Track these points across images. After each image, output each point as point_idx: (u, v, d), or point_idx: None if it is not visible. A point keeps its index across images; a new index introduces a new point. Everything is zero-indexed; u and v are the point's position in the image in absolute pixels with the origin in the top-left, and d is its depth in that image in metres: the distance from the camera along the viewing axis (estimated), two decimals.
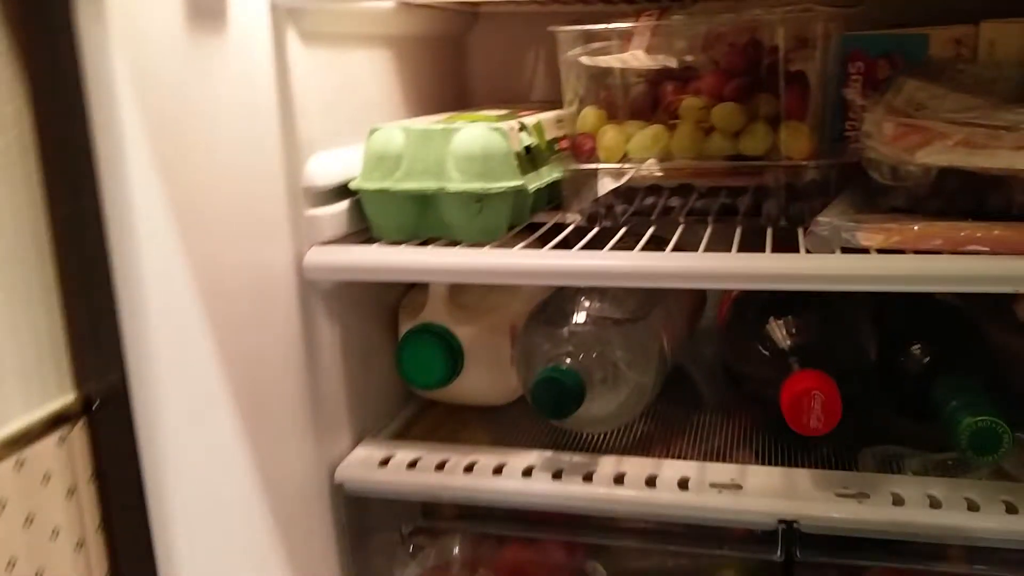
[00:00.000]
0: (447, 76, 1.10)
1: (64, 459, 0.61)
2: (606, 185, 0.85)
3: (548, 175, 0.84)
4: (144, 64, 0.58)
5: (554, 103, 1.07)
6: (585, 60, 0.88)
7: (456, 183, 0.77)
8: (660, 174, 0.85)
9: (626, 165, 0.85)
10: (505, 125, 0.79)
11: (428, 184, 0.78)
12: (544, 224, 0.86)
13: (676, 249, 0.72)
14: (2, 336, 0.57)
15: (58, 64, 0.57)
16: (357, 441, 0.86)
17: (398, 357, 0.85)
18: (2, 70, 0.56)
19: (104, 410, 0.63)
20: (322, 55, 0.80)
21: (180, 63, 0.61)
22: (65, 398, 0.61)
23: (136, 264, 0.59)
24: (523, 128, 0.83)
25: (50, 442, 0.60)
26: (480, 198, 0.77)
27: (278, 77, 0.74)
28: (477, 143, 0.77)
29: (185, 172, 0.62)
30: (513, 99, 1.13)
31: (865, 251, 0.67)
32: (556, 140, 0.91)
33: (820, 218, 0.70)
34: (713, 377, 0.95)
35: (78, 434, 0.62)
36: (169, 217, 0.61)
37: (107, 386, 0.63)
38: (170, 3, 0.60)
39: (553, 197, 0.89)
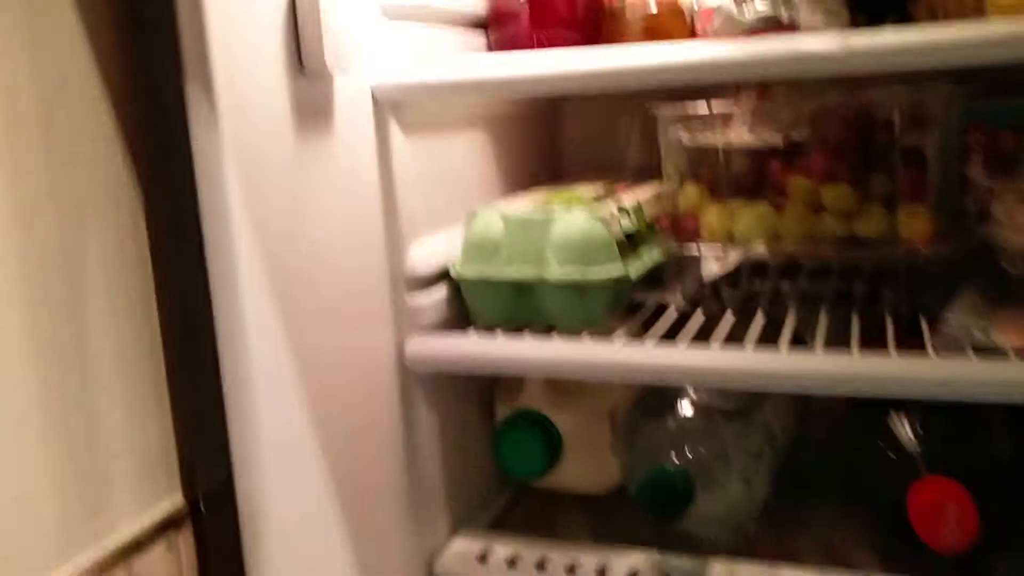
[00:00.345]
0: (541, 147, 1.09)
1: (172, 565, 0.60)
2: (711, 267, 0.82)
3: (649, 258, 0.82)
4: (254, 166, 0.58)
5: (650, 171, 1.05)
6: (686, 139, 0.85)
7: (556, 272, 0.75)
8: (768, 256, 0.81)
9: (731, 247, 0.82)
10: (605, 211, 0.77)
11: (527, 272, 0.76)
12: (645, 305, 0.83)
13: (792, 343, 0.68)
14: (116, 438, 0.57)
15: (172, 171, 0.57)
16: (453, 530, 0.84)
17: (496, 446, 0.83)
18: (119, 177, 0.56)
19: (211, 511, 0.63)
20: (421, 142, 0.79)
21: (288, 162, 0.61)
22: (173, 500, 0.61)
23: (245, 363, 0.59)
24: (622, 211, 0.80)
25: (160, 548, 0.59)
26: (581, 287, 0.75)
27: (381, 168, 0.73)
28: (577, 232, 0.75)
29: (292, 268, 0.62)
30: (607, 166, 1.11)
31: (1001, 351, 0.62)
32: (655, 218, 0.89)
33: (948, 314, 0.65)
34: (827, 463, 0.90)
35: (185, 538, 0.61)
36: (276, 314, 0.60)
37: (213, 487, 0.62)
38: (280, 106, 0.60)
39: (654, 272, 0.86)
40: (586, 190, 0.90)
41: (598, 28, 0.86)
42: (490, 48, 0.89)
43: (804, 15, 0.59)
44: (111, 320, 0.56)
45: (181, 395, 0.63)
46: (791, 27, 0.61)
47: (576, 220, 0.76)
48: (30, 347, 0.51)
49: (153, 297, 0.60)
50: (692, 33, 0.81)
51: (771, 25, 0.61)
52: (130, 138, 0.57)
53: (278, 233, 0.60)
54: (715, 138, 0.84)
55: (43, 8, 0.51)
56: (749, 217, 0.82)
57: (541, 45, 0.84)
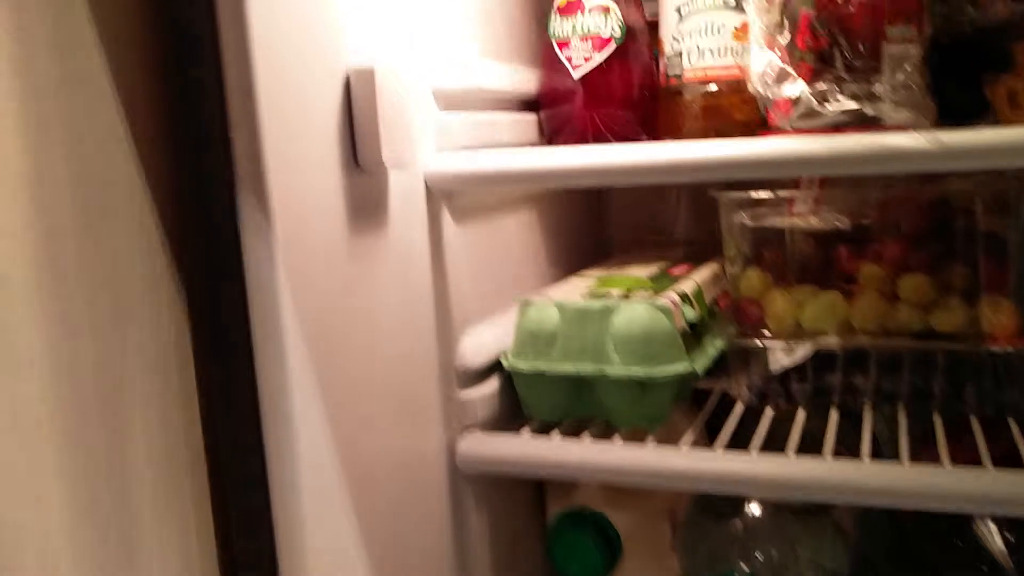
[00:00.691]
0: (589, 220, 1.05)
1: None
2: (778, 359, 0.78)
3: (713, 348, 0.78)
4: (306, 270, 0.54)
5: (702, 245, 1.02)
6: (748, 220, 0.82)
7: (617, 368, 0.71)
8: (838, 347, 0.77)
9: (799, 336, 0.78)
10: (667, 299, 0.73)
11: (586, 367, 0.72)
12: (708, 394, 0.79)
13: (874, 452, 0.64)
14: (160, 543, 0.53)
15: (220, 276, 0.54)
16: None
17: (550, 547, 0.79)
18: (161, 283, 0.53)
19: None
20: (471, 227, 0.76)
21: (341, 261, 0.58)
22: None
23: (293, 473, 0.55)
24: (684, 298, 0.76)
25: None
26: (643, 384, 0.71)
27: (433, 257, 0.70)
28: (639, 324, 0.71)
29: (342, 371, 0.58)
30: (656, 238, 1.07)
31: None
32: (716, 301, 0.85)
33: None
34: (904, 566, 0.85)
35: None
36: (325, 421, 0.57)
37: None
38: (334, 205, 0.57)
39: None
40: (641, 271, 0.86)
41: (654, 106, 0.83)
42: (541, 128, 0.85)
43: (890, 110, 0.56)
44: (152, 434, 0.53)
45: (226, 503, 0.59)
46: (875, 122, 0.57)
47: (638, 312, 0.72)
48: (67, 462, 0.47)
49: (196, 406, 0.57)
50: (755, 113, 0.78)
51: (856, 120, 0.57)
52: (175, 240, 0.54)
53: (329, 335, 0.57)
54: (779, 221, 0.80)
55: (88, 111, 0.48)
56: (817, 306, 0.78)
57: (595, 126, 0.81)
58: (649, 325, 0.71)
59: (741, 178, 0.64)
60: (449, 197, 0.72)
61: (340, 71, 0.58)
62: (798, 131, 0.61)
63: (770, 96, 0.61)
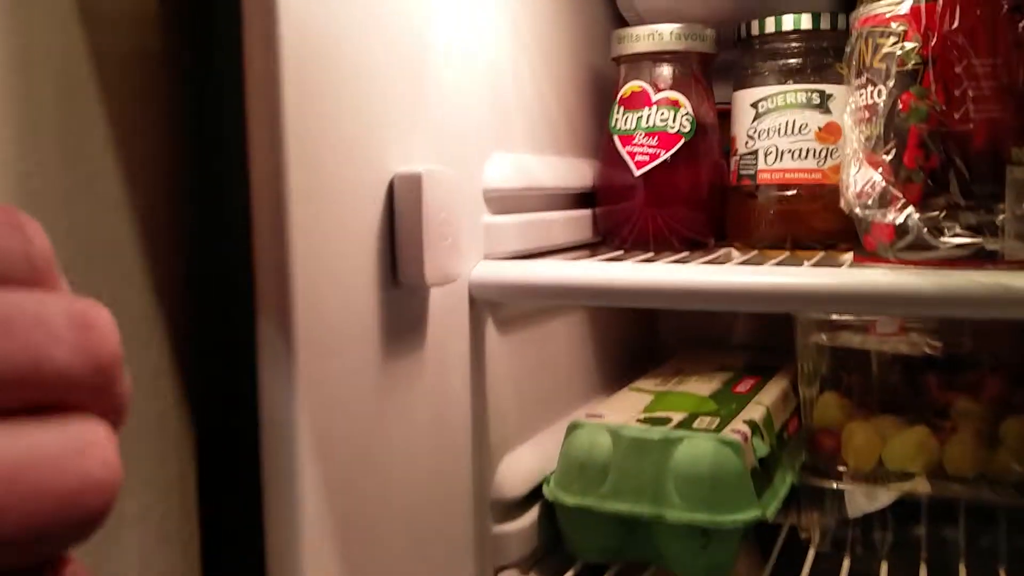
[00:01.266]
0: (642, 321, 0.97)
1: None
2: (858, 504, 0.69)
3: (783, 486, 0.69)
4: (331, 405, 0.47)
5: (764, 350, 0.93)
6: (825, 339, 0.73)
7: (678, 511, 0.62)
8: (928, 492, 0.68)
9: (881, 475, 0.69)
10: (737, 433, 0.65)
11: (642, 508, 0.63)
12: (776, 531, 0.70)
13: None
14: None
15: (231, 413, 0.47)
16: None
17: None
18: (166, 417, 0.45)
19: None
20: (516, 337, 0.68)
21: (370, 390, 0.50)
22: None
23: None
24: (754, 430, 0.68)
25: None
26: (706, 531, 0.62)
27: (473, 372, 0.62)
28: (704, 462, 0.63)
29: (363, 506, 0.50)
30: (713, 337, 0.99)
31: None
32: (785, 426, 0.76)
33: None
34: None
35: None
36: (340, 560, 0.49)
37: None
38: (367, 326, 0.49)
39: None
40: (701, 386, 0.78)
41: (723, 207, 0.76)
42: (596, 225, 0.78)
43: (1016, 246, 0.47)
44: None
45: None
46: (994, 257, 0.49)
47: (703, 447, 0.63)
48: None
49: (198, 554, 0.49)
50: (838, 223, 0.70)
51: (972, 254, 0.49)
52: (183, 367, 0.46)
53: (351, 473, 0.49)
54: (860, 341, 0.72)
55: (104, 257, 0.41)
56: (903, 442, 0.69)
57: (656, 226, 0.73)
58: (716, 464, 0.63)
59: (834, 312, 0.56)
60: (495, 307, 0.64)
61: (383, 176, 0.51)
62: (902, 262, 0.53)
63: (869, 219, 0.53)
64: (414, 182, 0.50)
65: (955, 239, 0.50)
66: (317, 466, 0.45)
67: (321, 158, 0.45)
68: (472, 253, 0.61)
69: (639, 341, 0.95)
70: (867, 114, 0.55)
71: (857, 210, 0.54)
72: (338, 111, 0.46)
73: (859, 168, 0.54)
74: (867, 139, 0.54)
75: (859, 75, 0.56)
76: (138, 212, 0.42)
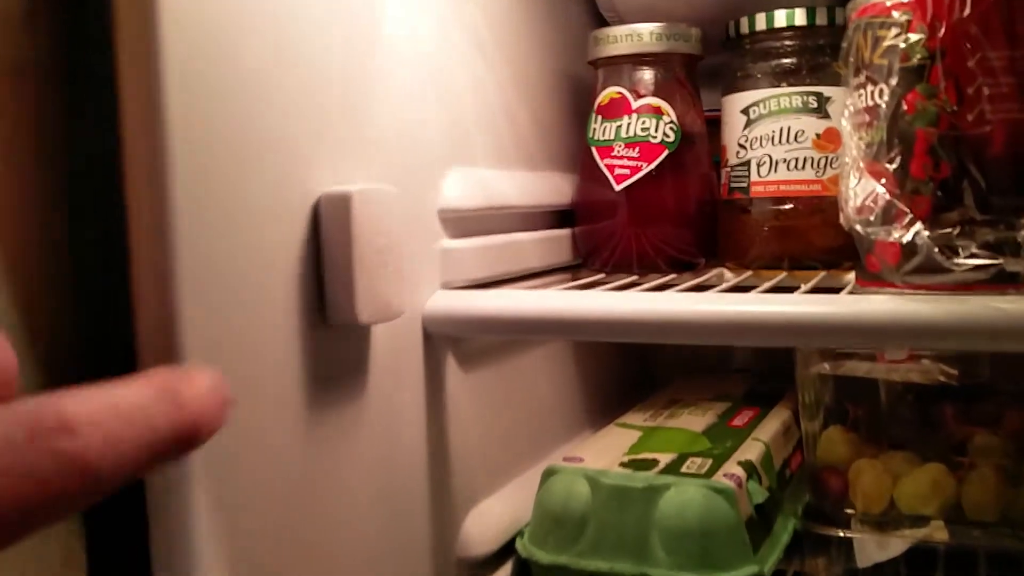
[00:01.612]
0: (630, 348, 0.90)
1: None
2: (867, 552, 0.61)
3: (785, 534, 0.62)
4: (238, 480, 0.40)
5: (765, 374, 0.86)
6: (828, 368, 0.66)
7: (663, 569, 0.55)
8: (945, 538, 0.60)
9: (895, 524, 0.62)
10: (729, 477, 0.57)
11: (623, 566, 0.56)
12: None
13: None
14: None
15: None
16: None
17: None
18: None
19: None
20: (483, 375, 0.62)
21: (294, 453, 0.43)
22: None
23: None
24: (751, 472, 0.60)
25: None
26: None
27: (431, 419, 0.55)
28: (693, 513, 0.56)
29: None
30: (710, 361, 0.92)
31: None
32: (787, 462, 0.69)
33: None
34: None
35: None
36: None
37: None
38: (286, 381, 0.42)
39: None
40: (694, 420, 0.71)
41: (713, 224, 0.69)
42: (576, 247, 0.71)
43: None
44: None
45: None
46: (1015, 280, 0.42)
47: (692, 496, 0.56)
48: None
49: None
50: (840, 238, 0.63)
51: (992, 277, 0.42)
52: None
53: (271, 550, 0.42)
54: (867, 370, 0.65)
55: None
56: (917, 482, 0.61)
57: (640, 246, 0.67)
58: (706, 514, 0.55)
59: (833, 346, 0.49)
60: (456, 341, 0.58)
61: (306, 198, 0.44)
62: (911, 286, 0.46)
63: (872, 237, 0.46)
64: (342, 203, 0.44)
65: (971, 260, 0.43)
66: (222, 547, 0.38)
67: (217, 178, 0.38)
68: (426, 282, 0.55)
69: (630, 368, 0.88)
70: (867, 117, 0.48)
71: (858, 227, 0.47)
72: (243, 122, 0.40)
73: (859, 179, 0.47)
74: (868, 146, 0.47)
75: (857, 73, 0.49)
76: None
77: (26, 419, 0.22)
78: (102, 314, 0.38)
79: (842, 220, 0.50)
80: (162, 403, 0.25)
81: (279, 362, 0.42)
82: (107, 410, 0.23)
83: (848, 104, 0.50)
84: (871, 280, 0.49)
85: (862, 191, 0.47)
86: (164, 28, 0.35)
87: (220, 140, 0.38)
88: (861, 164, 0.48)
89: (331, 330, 0.45)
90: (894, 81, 0.46)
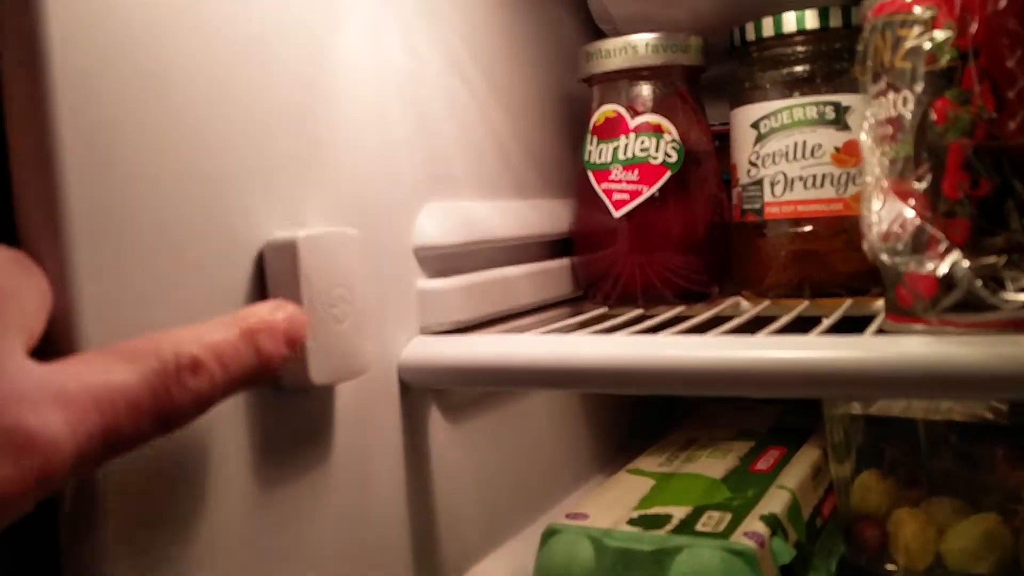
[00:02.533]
0: None
1: None
2: None
3: None
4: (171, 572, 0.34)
5: (789, 407, 0.80)
6: (859, 407, 0.59)
7: None
8: None
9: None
10: (750, 536, 0.51)
11: None
12: None
13: None
14: None
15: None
16: None
17: None
18: None
19: None
20: (475, 425, 0.56)
21: (242, 532, 0.38)
22: None
23: None
24: (775, 528, 0.54)
25: None
26: None
27: (412, 482, 0.49)
28: None
29: None
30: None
31: None
32: (818, 509, 0.62)
33: None
34: None
35: None
36: None
37: None
38: (234, 452, 0.37)
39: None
40: (713, 464, 0.64)
41: (725, 249, 0.62)
42: (576, 276, 0.65)
43: None
44: None
45: None
46: None
47: (707, 559, 0.50)
48: None
49: None
50: (865, 262, 0.57)
51: None
52: None
53: None
54: (903, 408, 0.58)
55: None
56: (966, 534, 0.55)
57: (644, 277, 0.61)
58: None
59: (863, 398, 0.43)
60: (440, 391, 0.52)
61: (248, 246, 0.38)
62: (950, 324, 0.39)
63: (901, 269, 0.40)
64: (286, 252, 0.38)
65: (1021, 294, 0.36)
66: None
67: (131, 228, 0.33)
68: (403, 328, 0.49)
69: (646, 400, 0.82)
70: (890, 130, 0.42)
71: (884, 256, 0.41)
72: (165, 162, 0.34)
73: (883, 201, 0.41)
74: (892, 162, 0.41)
75: (877, 79, 0.43)
76: None
77: (171, 358, 0.28)
78: None
79: (865, 247, 0.44)
80: (245, 344, 0.31)
81: (218, 433, 0.36)
82: (216, 348, 0.30)
83: (867, 115, 0.44)
84: (903, 316, 0.43)
85: (887, 215, 0.40)
86: (53, 43, 0.30)
87: (130, 188, 0.33)
88: (885, 184, 0.41)
89: (283, 393, 0.40)
90: (919, 87, 0.40)
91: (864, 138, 0.44)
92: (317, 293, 0.39)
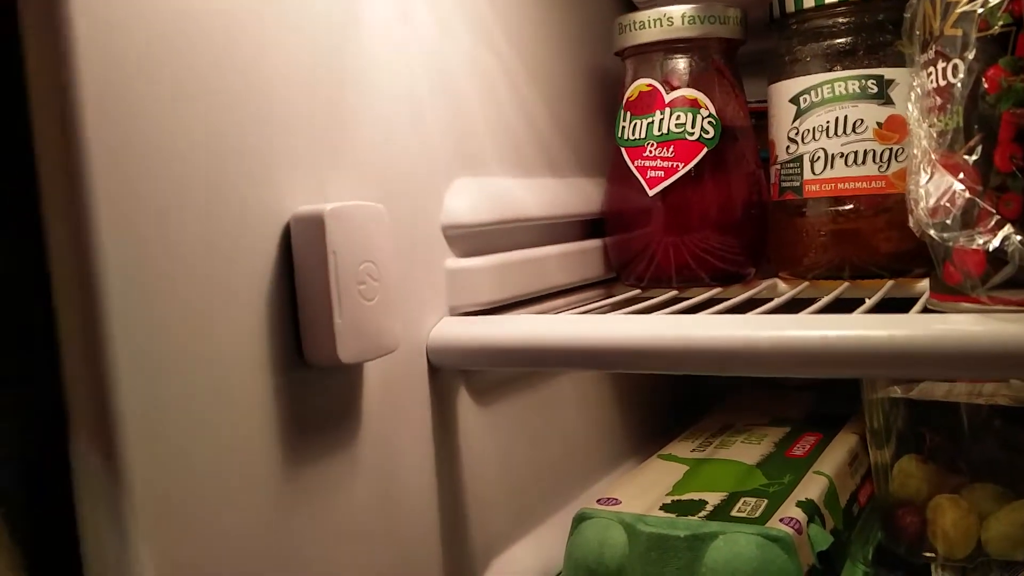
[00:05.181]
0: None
1: None
2: None
3: None
4: (196, 553, 0.34)
5: (823, 392, 0.78)
6: (900, 392, 0.58)
7: None
8: None
9: (982, 564, 0.53)
10: (787, 523, 0.50)
11: None
12: None
13: None
14: None
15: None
16: None
17: None
18: None
19: None
20: (504, 408, 0.55)
21: (266, 521, 0.37)
22: None
23: None
24: (812, 513, 0.53)
25: None
26: None
27: (440, 465, 0.49)
28: (745, 565, 0.48)
29: None
30: (762, 379, 0.83)
31: None
32: (854, 496, 0.61)
33: None
34: None
35: None
36: None
37: None
38: (257, 430, 0.36)
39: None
40: (747, 451, 0.63)
41: (763, 228, 0.61)
42: (607, 257, 0.64)
43: None
44: None
45: None
46: None
47: (743, 546, 0.49)
48: None
49: None
50: (908, 242, 0.55)
51: None
52: None
53: None
54: (946, 392, 0.56)
55: None
56: (1009, 521, 0.53)
57: (680, 257, 0.59)
58: (760, 567, 0.48)
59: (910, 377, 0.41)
60: (468, 373, 0.51)
61: (275, 219, 0.38)
62: (1001, 302, 0.38)
63: (949, 244, 0.38)
64: (314, 224, 0.37)
65: None
66: None
67: (154, 198, 0.32)
68: (431, 308, 0.48)
69: (676, 388, 0.80)
70: (939, 100, 0.40)
71: (932, 232, 0.39)
72: (190, 132, 0.33)
73: (931, 175, 0.39)
74: (941, 135, 0.39)
75: (925, 48, 0.41)
76: None
77: None
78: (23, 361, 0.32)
79: (912, 224, 0.42)
80: None
81: (245, 411, 0.36)
82: None
83: (914, 85, 0.42)
84: (949, 294, 0.41)
85: (935, 189, 0.39)
86: (76, 18, 0.29)
87: (159, 157, 0.32)
88: (933, 157, 0.40)
89: (310, 371, 0.39)
90: (971, 55, 0.39)
91: (911, 109, 0.42)
92: (344, 268, 0.38)
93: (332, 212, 0.37)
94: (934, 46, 0.41)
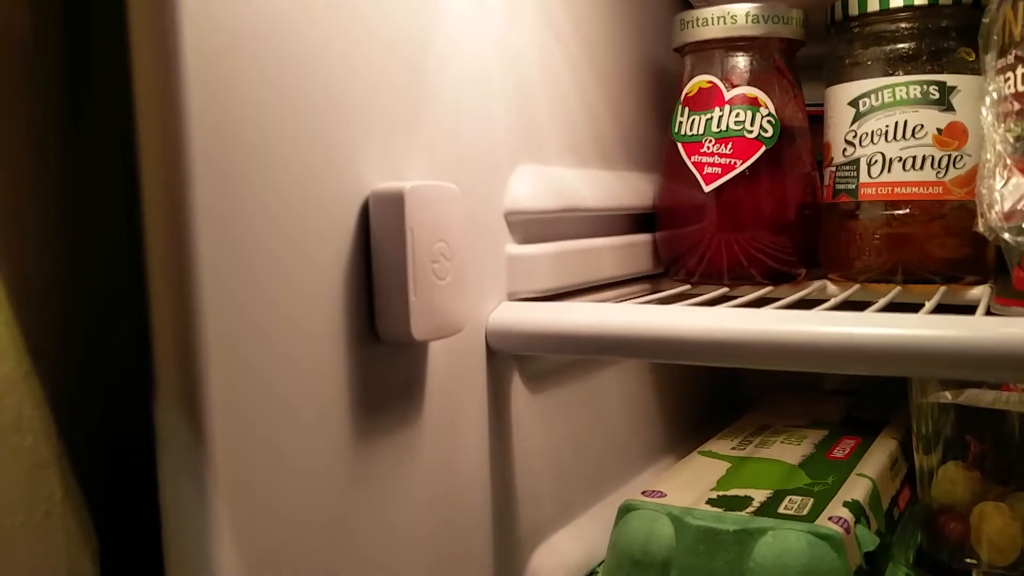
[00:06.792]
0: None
1: None
2: None
3: None
4: (268, 523, 0.34)
5: (859, 397, 0.78)
6: (950, 398, 0.58)
7: None
8: None
9: None
10: (836, 522, 0.50)
11: None
12: None
13: None
14: None
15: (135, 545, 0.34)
16: None
17: None
18: (57, 532, 0.33)
19: None
20: (553, 396, 0.55)
21: (337, 490, 0.37)
22: None
23: None
24: (858, 515, 0.53)
25: None
26: None
27: (495, 448, 0.49)
28: (795, 562, 0.48)
29: None
30: (799, 382, 0.84)
31: None
32: (895, 501, 0.61)
33: None
34: None
35: None
36: None
37: None
38: (331, 403, 0.36)
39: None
40: (788, 450, 0.63)
41: (815, 230, 0.61)
42: (657, 254, 0.64)
43: None
44: None
45: None
46: None
47: (793, 543, 0.49)
48: None
49: None
50: (962, 250, 0.55)
51: None
52: (68, 457, 0.35)
53: None
54: (993, 399, 0.57)
55: None
56: None
57: (732, 254, 0.59)
58: (810, 565, 0.48)
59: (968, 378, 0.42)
60: (523, 359, 0.51)
61: (354, 196, 0.38)
62: None
63: (993, 213, 0.38)
64: (394, 202, 0.38)
65: None
66: None
67: (246, 172, 0.32)
68: (490, 292, 0.48)
69: (715, 387, 0.81)
70: (1017, 105, 0.40)
71: (1007, 236, 0.39)
72: (277, 108, 0.34)
73: (1007, 178, 0.39)
74: (1018, 139, 0.40)
75: (1004, 54, 0.41)
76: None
77: None
78: (114, 325, 0.33)
79: (981, 227, 0.42)
80: None
81: (320, 383, 0.36)
82: None
83: (991, 90, 0.42)
84: (1016, 299, 0.41)
85: (1011, 193, 0.39)
86: (185, 22, 0.29)
87: (249, 130, 0.33)
88: (1008, 161, 0.40)
89: (382, 347, 0.39)
90: None
91: (985, 114, 0.42)
92: (420, 246, 0.38)
93: (412, 190, 0.38)
94: (1013, 51, 0.41)
